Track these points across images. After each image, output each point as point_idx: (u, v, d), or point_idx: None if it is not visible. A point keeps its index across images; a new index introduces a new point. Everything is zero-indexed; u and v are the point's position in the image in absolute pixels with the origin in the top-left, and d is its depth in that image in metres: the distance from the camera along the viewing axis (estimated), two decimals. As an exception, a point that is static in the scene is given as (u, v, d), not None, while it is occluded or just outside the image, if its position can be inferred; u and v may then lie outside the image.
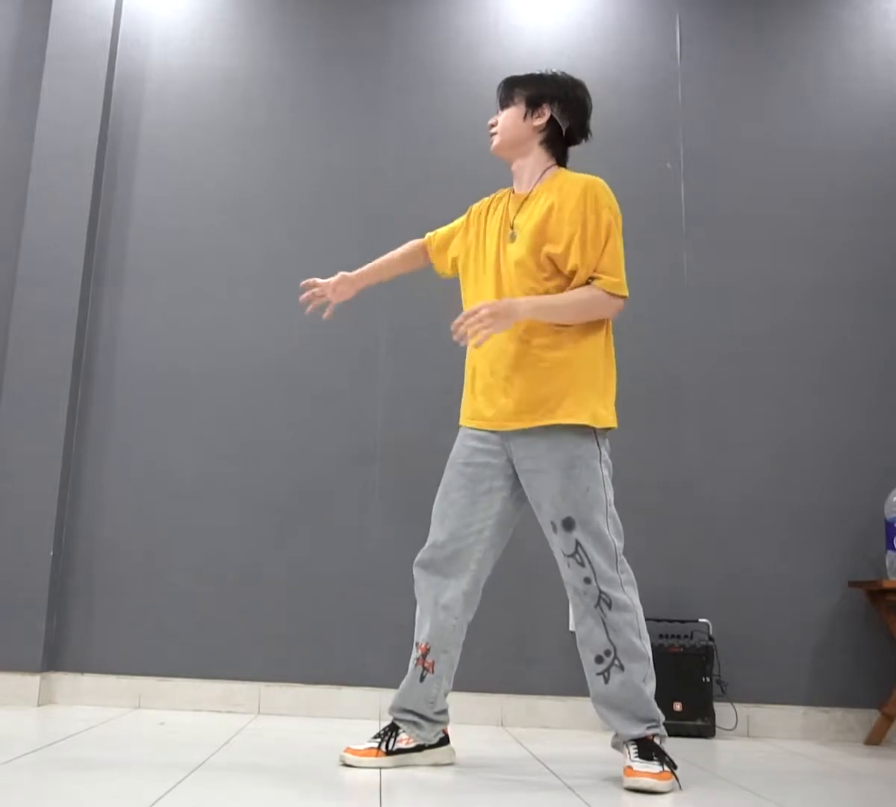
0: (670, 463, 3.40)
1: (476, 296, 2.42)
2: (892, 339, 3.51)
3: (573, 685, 3.24)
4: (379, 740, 2.33)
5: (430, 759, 2.36)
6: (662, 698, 3.07)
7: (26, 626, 3.17)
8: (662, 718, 2.25)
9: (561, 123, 2.40)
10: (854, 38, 3.73)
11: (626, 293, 2.34)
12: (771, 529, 3.36)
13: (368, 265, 2.60)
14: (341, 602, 3.28)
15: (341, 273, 2.54)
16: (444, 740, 2.41)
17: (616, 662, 2.22)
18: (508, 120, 2.41)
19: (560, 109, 2.39)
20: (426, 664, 2.35)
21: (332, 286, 2.52)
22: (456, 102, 3.67)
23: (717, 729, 3.14)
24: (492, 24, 3.72)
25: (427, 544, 2.39)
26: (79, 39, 3.57)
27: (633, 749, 2.18)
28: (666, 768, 2.14)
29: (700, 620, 3.24)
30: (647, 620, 3.22)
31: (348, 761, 2.29)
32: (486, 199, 2.55)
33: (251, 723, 2.98)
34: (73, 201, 3.45)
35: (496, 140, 2.43)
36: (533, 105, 2.39)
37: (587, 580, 2.22)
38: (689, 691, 3.09)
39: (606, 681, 2.22)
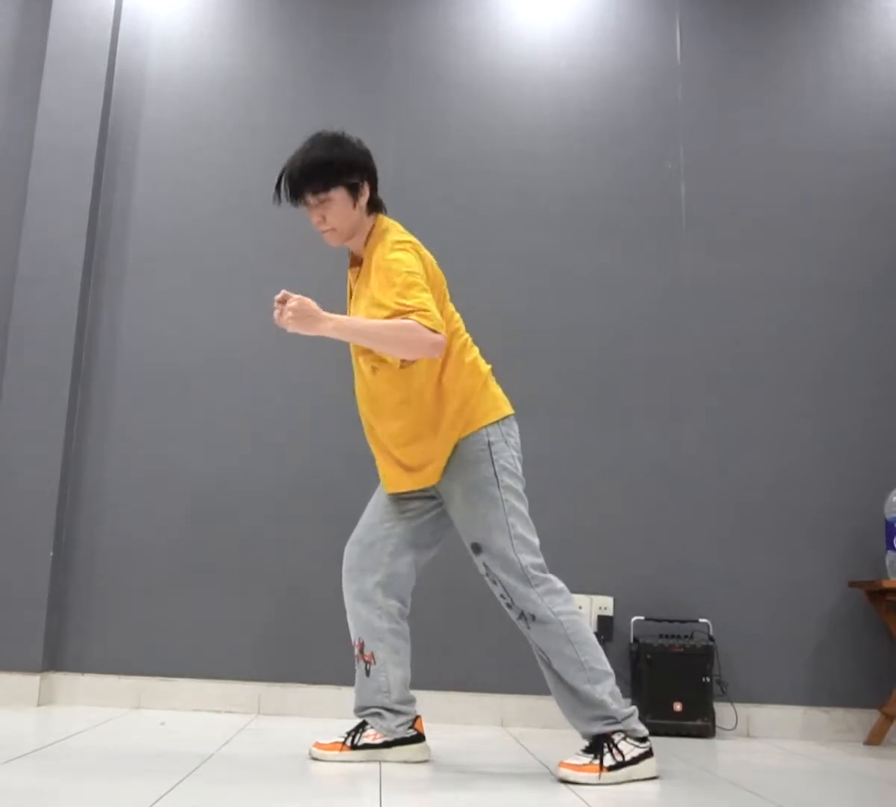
0: (670, 463, 3.40)
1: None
2: (892, 339, 3.51)
3: (573, 685, 3.24)
4: (343, 736, 2.38)
5: (401, 755, 2.36)
6: (663, 698, 3.08)
7: (26, 626, 3.17)
8: (624, 713, 2.25)
9: (374, 192, 2.38)
10: (854, 37, 3.73)
11: (443, 331, 2.18)
12: (771, 529, 3.36)
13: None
14: (342, 602, 3.27)
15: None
16: (418, 738, 2.40)
17: (555, 671, 2.28)
18: (338, 216, 2.32)
19: (370, 180, 2.36)
20: (366, 658, 2.40)
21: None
22: (456, 102, 3.67)
23: (717, 729, 3.14)
24: (492, 24, 3.72)
25: (345, 553, 2.49)
26: (79, 40, 3.57)
27: (584, 743, 2.27)
28: (594, 762, 2.19)
29: (700, 620, 3.24)
30: (647, 620, 3.23)
31: (314, 755, 2.35)
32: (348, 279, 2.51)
33: (251, 723, 2.98)
34: (73, 200, 3.45)
35: (336, 237, 2.36)
36: (354, 190, 2.32)
37: (502, 597, 2.31)
38: (689, 691, 3.09)
39: (556, 685, 2.30)
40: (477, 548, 2.32)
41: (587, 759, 2.21)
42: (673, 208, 3.60)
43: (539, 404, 3.42)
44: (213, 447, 3.40)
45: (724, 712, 3.19)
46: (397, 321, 2.15)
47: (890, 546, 3.15)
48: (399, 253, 2.27)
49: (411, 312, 2.16)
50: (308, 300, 2.16)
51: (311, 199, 2.33)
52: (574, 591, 3.30)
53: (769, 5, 3.75)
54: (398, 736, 2.37)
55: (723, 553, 3.34)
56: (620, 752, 2.21)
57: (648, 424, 3.43)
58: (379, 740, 2.36)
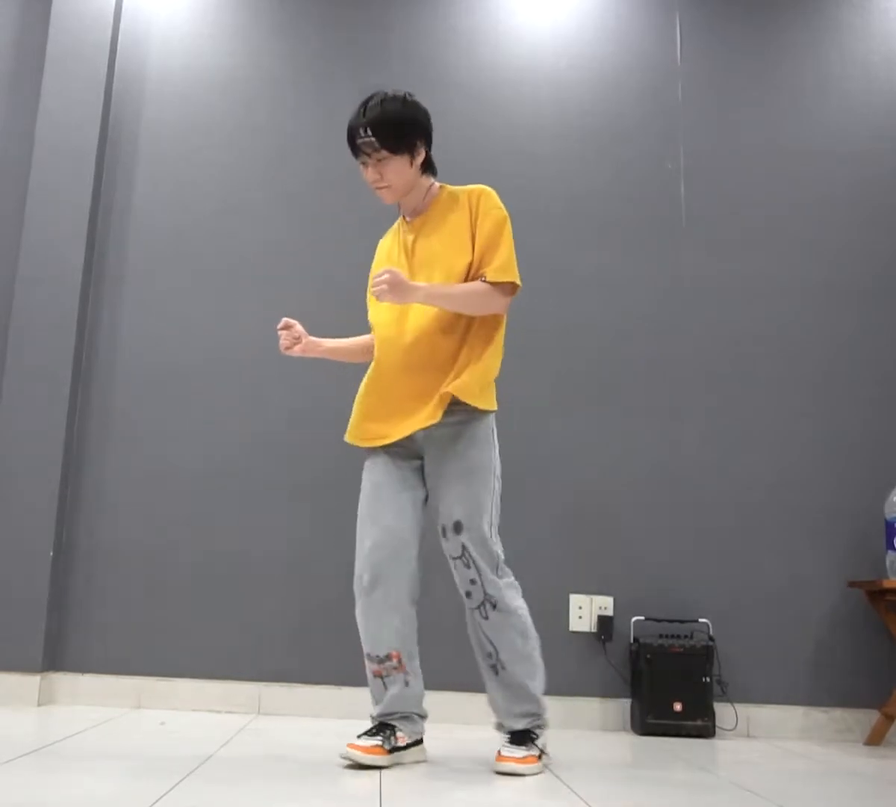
0: (670, 463, 3.40)
1: (387, 318, 2.45)
2: (892, 339, 3.51)
3: (572, 686, 3.24)
4: (379, 738, 2.30)
5: (415, 756, 2.38)
6: (663, 698, 3.08)
7: (26, 626, 3.17)
8: (546, 708, 2.38)
9: (428, 151, 2.47)
10: (854, 37, 3.73)
11: (515, 279, 2.38)
12: (771, 529, 3.36)
13: (336, 342, 2.62)
14: (342, 601, 3.27)
15: (311, 338, 2.55)
16: (421, 739, 2.42)
17: (499, 662, 2.33)
18: (395, 173, 2.39)
19: (427, 141, 2.45)
20: (404, 670, 2.35)
21: (304, 338, 2.53)
22: (456, 102, 3.67)
23: (717, 729, 3.14)
24: (492, 24, 3.72)
25: (365, 555, 2.36)
26: (79, 40, 3.57)
27: (506, 737, 2.35)
28: (531, 753, 2.30)
29: (700, 620, 3.24)
30: (647, 620, 3.23)
31: (355, 757, 2.24)
32: (378, 248, 2.61)
33: (251, 723, 2.98)
34: (74, 200, 3.45)
35: (391, 194, 2.44)
36: (412, 149, 2.40)
37: (472, 582, 2.32)
38: (689, 691, 3.09)
39: (496, 674, 2.35)
40: (459, 527, 2.31)
41: (523, 751, 2.29)
42: (673, 208, 3.60)
43: (538, 404, 3.42)
44: (213, 447, 3.40)
45: (724, 712, 3.19)
46: (476, 287, 2.34)
47: (890, 546, 3.15)
48: (506, 216, 2.43)
49: (509, 282, 2.37)
50: (397, 270, 2.25)
51: (368, 158, 2.39)
52: (574, 591, 3.30)
53: (769, 5, 3.75)
54: (417, 738, 2.39)
55: (723, 553, 3.34)
56: (540, 745, 2.35)
57: (648, 424, 3.43)
58: (403, 743, 2.35)
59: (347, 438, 2.50)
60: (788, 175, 3.62)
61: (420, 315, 2.39)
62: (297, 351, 2.52)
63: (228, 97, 3.66)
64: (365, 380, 2.49)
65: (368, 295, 2.54)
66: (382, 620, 2.34)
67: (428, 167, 2.48)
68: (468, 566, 2.32)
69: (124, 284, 3.52)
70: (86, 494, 3.36)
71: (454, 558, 2.33)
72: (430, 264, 2.41)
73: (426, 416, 2.35)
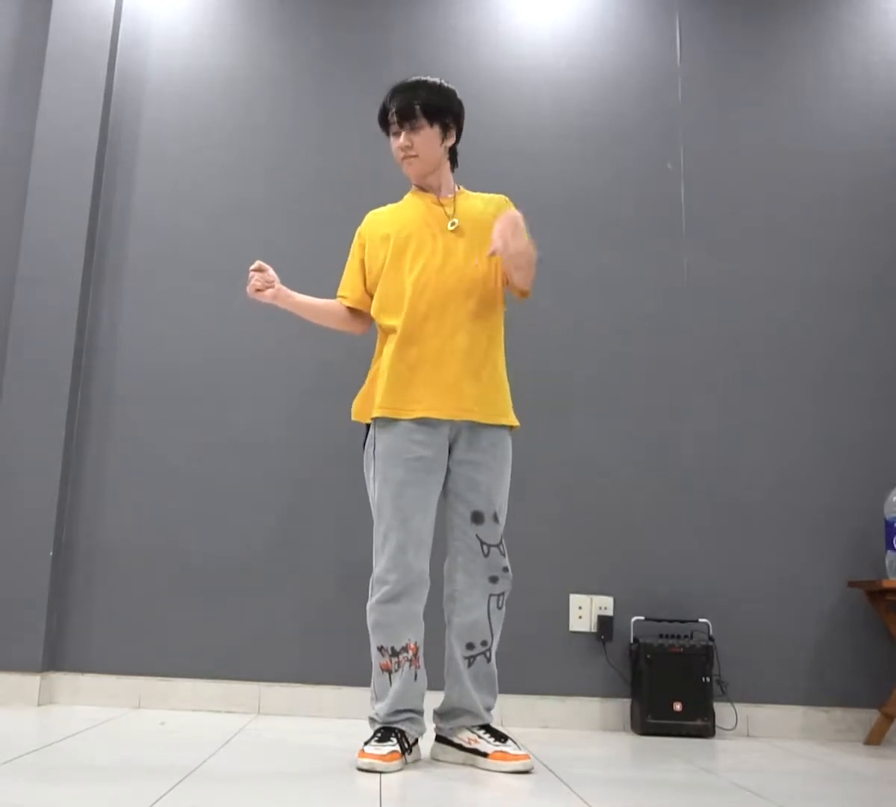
0: (669, 462, 3.40)
1: (423, 271, 2.44)
2: (893, 339, 3.51)
3: (573, 685, 3.24)
4: (392, 743, 2.27)
5: (414, 756, 2.37)
6: (663, 698, 3.08)
7: (26, 626, 3.17)
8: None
9: (457, 139, 2.56)
10: (854, 37, 3.73)
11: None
12: (771, 529, 3.36)
13: (305, 297, 2.56)
14: (341, 601, 3.27)
15: (283, 287, 2.50)
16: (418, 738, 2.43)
17: (490, 651, 2.41)
18: (428, 145, 2.48)
19: (458, 128, 2.55)
20: (417, 663, 2.35)
21: (276, 284, 2.47)
22: (456, 102, 3.66)
23: (716, 729, 3.14)
24: (492, 24, 3.72)
25: (393, 555, 2.31)
26: (79, 40, 3.57)
27: (486, 735, 2.36)
28: (521, 750, 2.32)
29: (700, 620, 3.24)
30: (647, 620, 3.23)
31: (376, 767, 2.19)
32: (375, 217, 2.61)
33: (251, 723, 2.98)
34: (73, 200, 3.45)
35: (418, 164, 2.49)
36: (445, 128, 2.50)
37: (505, 569, 2.41)
38: (689, 691, 3.09)
39: (470, 665, 2.39)
40: (498, 517, 2.41)
41: (514, 747, 2.31)
42: (673, 208, 3.60)
43: (538, 404, 3.42)
44: (213, 447, 3.40)
45: (724, 712, 3.19)
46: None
47: (890, 546, 3.15)
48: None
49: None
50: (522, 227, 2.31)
51: (404, 125, 2.47)
52: (574, 591, 3.30)
53: (769, 5, 3.75)
54: (418, 737, 2.38)
55: (722, 553, 3.34)
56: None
57: (648, 424, 3.43)
58: (410, 742, 2.34)
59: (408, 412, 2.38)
60: (788, 175, 3.62)
61: (465, 300, 2.48)
62: (268, 295, 2.45)
63: (228, 97, 3.66)
64: (404, 346, 2.42)
65: (390, 256, 2.48)
66: (419, 612, 2.35)
67: (452, 157, 2.56)
68: (503, 554, 2.41)
69: (124, 283, 3.52)
70: (86, 494, 3.36)
71: (492, 546, 2.38)
72: (475, 240, 2.47)
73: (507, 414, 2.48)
